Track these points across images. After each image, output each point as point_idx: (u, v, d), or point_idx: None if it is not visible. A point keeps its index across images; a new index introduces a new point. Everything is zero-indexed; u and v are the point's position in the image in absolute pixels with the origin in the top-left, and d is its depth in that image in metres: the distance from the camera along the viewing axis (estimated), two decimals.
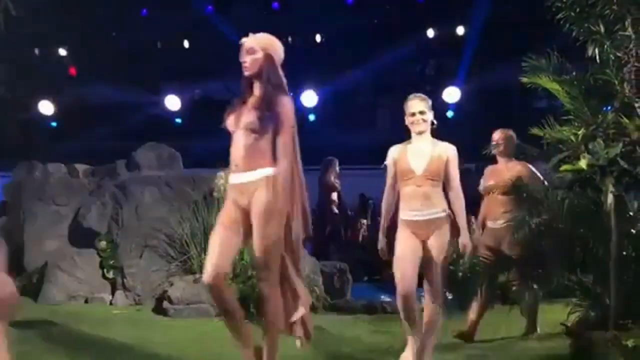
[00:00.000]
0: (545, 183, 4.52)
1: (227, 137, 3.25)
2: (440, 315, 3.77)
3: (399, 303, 3.70)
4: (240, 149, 3.16)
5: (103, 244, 6.47)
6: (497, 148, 4.76)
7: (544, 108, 7.91)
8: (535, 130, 3.93)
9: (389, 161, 3.87)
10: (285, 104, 3.18)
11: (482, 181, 4.83)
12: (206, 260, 3.16)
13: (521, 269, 4.37)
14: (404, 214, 3.76)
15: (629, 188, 3.53)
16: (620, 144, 3.41)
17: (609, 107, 3.70)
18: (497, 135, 4.80)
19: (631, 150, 3.44)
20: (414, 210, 3.69)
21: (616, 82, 3.62)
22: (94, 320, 5.48)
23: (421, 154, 3.75)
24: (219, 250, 3.11)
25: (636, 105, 3.59)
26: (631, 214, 3.69)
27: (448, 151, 3.78)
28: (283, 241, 3.12)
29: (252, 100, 3.24)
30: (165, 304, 5.87)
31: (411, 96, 3.84)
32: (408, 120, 3.81)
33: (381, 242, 3.91)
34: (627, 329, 3.47)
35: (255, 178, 3.13)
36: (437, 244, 3.69)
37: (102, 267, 6.43)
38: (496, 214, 4.60)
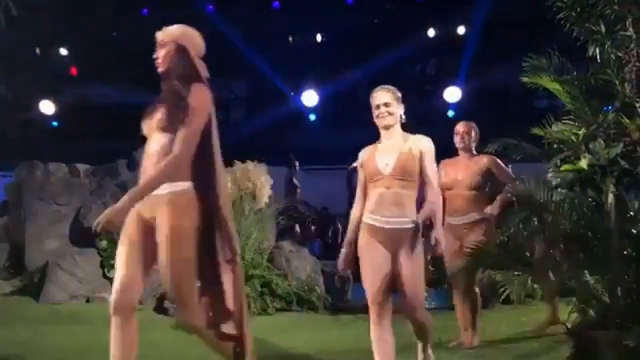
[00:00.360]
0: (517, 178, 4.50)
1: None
2: (427, 320, 3.51)
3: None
4: (152, 155, 2.81)
5: (104, 243, 6.47)
6: (463, 142, 4.54)
7: (545, 108, 7.91)
8: (535, 130, 3.93)
9: (357, 164, 3.45)
10: (196, 92, 2.75)
11: (441, 174, 4.30)
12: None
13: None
14: (366, 217, 3.30)
15: (629, 188, 3.53)
16: (621, 144, 3.41)
17: (610, 107, 3.70)
18: (461, 128, 4.57)
19: (632, 150, 3.44)
20: (380, 216, 3.24)
21: (617, 82, 3.62)
22: (95, 320, 5.48)
23: (390, 152, 3.31)
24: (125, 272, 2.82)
25: (637, 105, 3.58)
26: (632, 213, 3.68)
27: (420, 144, 3.32)
28: (193, 265, 2.70)
29: (163, 97, 2.90)
30: (166, 303, 5.88)
31: (377, 88, 3.46)
32: (374, 114, 3.42)
33: (343, 254, 3.42)
34: (628, 328, 3.46)
35: (163, 192, 2.70)
36: (410, 261, 3.21)
37: (103, 266, 6.44)
38: (459, 209, 4.41)
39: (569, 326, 3.69)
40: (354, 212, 3.40)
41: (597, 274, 3.71)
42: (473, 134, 4.57)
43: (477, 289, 4.56)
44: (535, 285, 5.11)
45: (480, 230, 4.41)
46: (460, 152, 4.55)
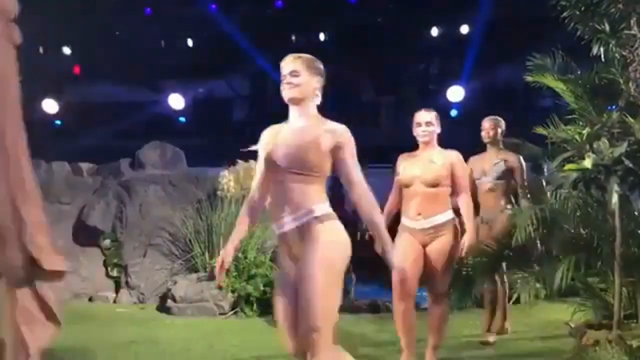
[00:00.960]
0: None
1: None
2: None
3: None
4: None
5: (107, 242, 6.49)
6: (425, 136, 3.87)
7: (549, 107, 7.90)
8: (539, 130, 3.92)
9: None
10: None
11: (400, 170, 3.91)
12: None
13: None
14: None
15: (633, 187, 3.52)
16: (625, 144, 3.40)
17: (614, 107, 3.69)
18: (425, 117, 3.88)
19: (636, 149, 3.43)
20: (277, 220, 2.64)
21: (621, 81, 3.61)
22: (98, 319, 5.50)
23: (290, 139, 2.62)
24: None
25: None
26: (636, 213, 3.67)
27: (335, 130, 2.60)
28: None
29: None
30: (169, 302, 5.88)
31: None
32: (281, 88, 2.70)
33: None
34: (631, 328, 3.46)
35: None
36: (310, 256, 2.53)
37: (106, 265, 6.46)
38: (421, 209, 3.75)
39: (573, 325, 3.69)
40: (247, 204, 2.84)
41: (600, 274, 3.71)
42: (438, 125, 3.94)
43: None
44: (538, 285, 5.10)
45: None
46: (422, 146, 3.91)
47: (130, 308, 6.08)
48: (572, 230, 3.76)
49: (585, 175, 3.47)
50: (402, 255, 3.63)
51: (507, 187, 4.68)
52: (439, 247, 3.75)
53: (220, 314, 5.78)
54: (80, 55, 13.75)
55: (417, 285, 3.79)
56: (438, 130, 3.90)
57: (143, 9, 13.12)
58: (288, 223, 2.60)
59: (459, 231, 3.84)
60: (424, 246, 3.78)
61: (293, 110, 2.69)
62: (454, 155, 3.85)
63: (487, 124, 4.81)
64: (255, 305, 5.82)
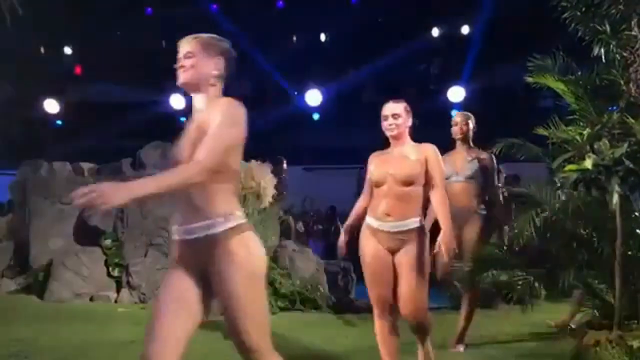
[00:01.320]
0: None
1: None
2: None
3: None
4: None
5: (108, 242, 6.49)
6: (393, 130, 3.45)
7: (549, 107, 7.90)
8: (540, 130, 3.93)
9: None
10: None
11: (371, 169, 3.56)
12: None
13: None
14: None
15: (634, 188, 3.52)
16: (626, 144, 3.41)
17: (615, 107, 3.70)
18: (392, 109, 3.46)
19: (636, 150, 3.44)
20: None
21: (622, 82, 3.62)
22: (99, 318, 5.50)
23: (191, 130, 2.36)
24: None
25: None
26: (636, 213, 3.68)
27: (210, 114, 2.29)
28: None
29: None
30: None
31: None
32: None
33: None
34: (632, 329, 3.46)
35: None
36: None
37: (107, 265, 6.46)
38: (391, 209, 3.36)
39: (573, 326, 3.69)
40: None
41: (601, 274, 3.71)
42: (406, 120, 3.52)
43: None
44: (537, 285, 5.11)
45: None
46: (392, 141, 3.54)
47: (132, 308, 6.08)
48: (573, 231, 3.77)
49: (586, 176, 3.48)
50: (371, 275, 3.42)
51: (480, 186, 4.36)
52: (409, 262, 3.32)
53: (221, 314, 5.78)
54: (82, 55, 13.77)
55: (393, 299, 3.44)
56: (409, 123, 3.48)
57: (143, 9, 13.14)
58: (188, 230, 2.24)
59: (427, 240, 3.39)
60: (392, 253, 3.37)
61: (194, 99, 2.39)
62: (430, 149, 3.44)
63: (459, 118, 4.45)
64: None
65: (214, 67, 2.35)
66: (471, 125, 4.42)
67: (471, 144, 4.43)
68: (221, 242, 2.17)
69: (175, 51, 2.44)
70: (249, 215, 6.25)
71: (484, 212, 4.35)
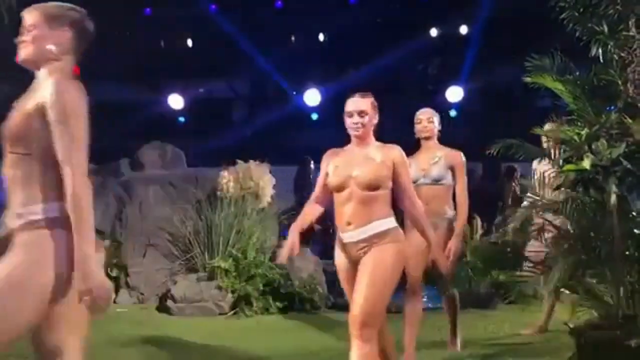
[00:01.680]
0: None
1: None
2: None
3: None
4: None
5: (106, 242, 6.49)
6: (358, 129, 3.14)
7: (547, 107, 7.91)
8: (538, 130, 3.93)
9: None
10: None
11: (329, 171, 3.19)
12: None
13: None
14: None
15: (632, 188, 3.53)
16: (624, 144, 3.41)
17: (613, 107, 3.70)
18: (357, 106, 3.17)
19: (634, 150, 3.45)
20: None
21: (620, 82, 3.63)
22: (97, 319, 5.49)
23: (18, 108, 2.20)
24: None
25: None
26: (634, 214, 3.69)
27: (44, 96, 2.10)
28: None
29: None
30: (169, 302, 5.89)
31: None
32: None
33: None
34: (630, 329, 3.47)
35: None
36: None
37: (105, 265, 6.46)
38: (352, 217, 3.02)
39: (572, 326, 3.70)
40: None
41: (599, 274, 3.72)
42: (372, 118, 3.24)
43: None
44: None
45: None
46: (356, 140, 3.22)
47: (130, 308, 6.09)
48: (571, 231, 3.77)
49: (584, 176, 3.49)
50: (344, 288, 3.19)
51: (449, 188, 4.12)
52: (365, 263, 2.95)
53: (220, 314, 5.80)
54: (79, 55, 13.75)
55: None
56: (375, 120, 3.13)
57: (143, 9, 13.13)
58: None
59: (398, 243, 3.02)
60: (357, 263, 3.02)
61: (36, 77, 2.14)
62: (397, 152, 3.06)
63: (423, 116, 4.18)
64: (254, 305, 5.83)
65: (58, 39, 2.08)
66: (436, 122, 4.18)
67: (437, 142, 4.19)
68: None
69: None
70: (247, 215, 6.27)
71: (452, 216, 4.12)
